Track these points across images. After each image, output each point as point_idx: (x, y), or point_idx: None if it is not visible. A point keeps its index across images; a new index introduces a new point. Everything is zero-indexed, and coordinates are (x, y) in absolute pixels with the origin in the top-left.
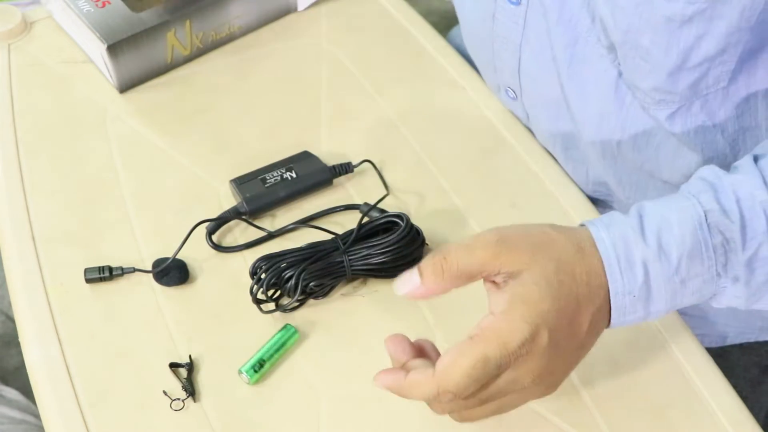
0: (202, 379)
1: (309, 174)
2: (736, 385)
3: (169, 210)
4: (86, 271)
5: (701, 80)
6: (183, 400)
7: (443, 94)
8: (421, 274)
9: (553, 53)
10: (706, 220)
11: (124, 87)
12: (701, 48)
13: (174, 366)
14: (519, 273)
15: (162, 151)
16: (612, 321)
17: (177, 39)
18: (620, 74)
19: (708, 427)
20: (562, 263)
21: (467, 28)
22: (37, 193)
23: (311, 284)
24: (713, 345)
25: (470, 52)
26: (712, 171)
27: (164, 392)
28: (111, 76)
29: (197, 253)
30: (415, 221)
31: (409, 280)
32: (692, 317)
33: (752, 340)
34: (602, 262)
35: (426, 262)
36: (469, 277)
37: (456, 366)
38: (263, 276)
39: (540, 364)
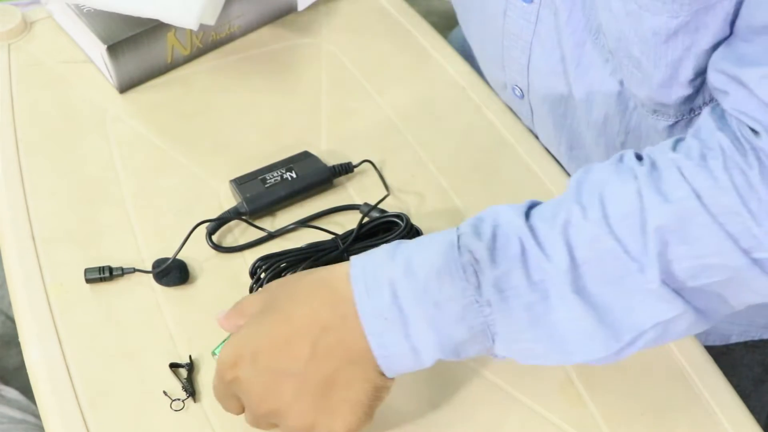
0: (202, 379)
1: (309, 174)
2: (738, 384)
3: (169, 210)
4: (86, 271)
5: (696, 97)
6: (183, 400)
7: (443, 94)
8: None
9: (562, 52)
10: (458, 241)
11: (124, 87)
12: (690, 60)
13: (174, 366)
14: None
15: (162, 151)
16: (374, 350)
17: (177, 39)
18: (623, 79)
19: (708, 427)
20: (285, 291)
21: (474, 25)
22: (37, 193)
23: None
24: (717, 343)
25: (476, 49)
26: (489, 208)
27: (164, 392)
28: (111, 76)
29: (197, 253)
30: (415, 221)
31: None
32: None
33: (756, 338)
34: (351, 284)
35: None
36: (238, 315)
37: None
38: (262, 276)
39: (256, 389)
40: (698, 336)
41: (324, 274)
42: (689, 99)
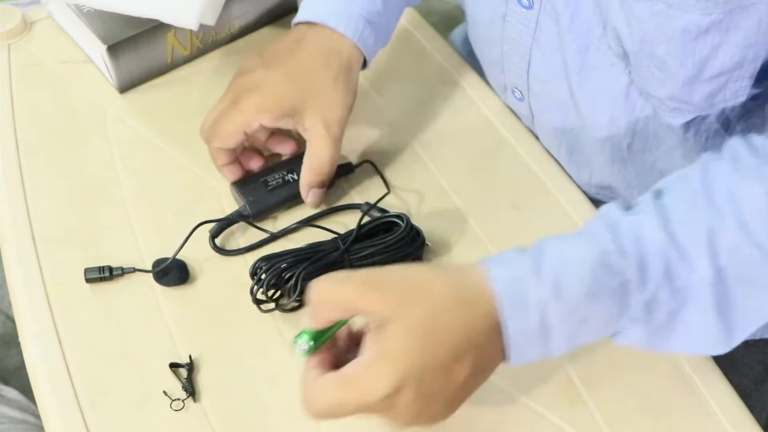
0: (202, 379)
1: None
2: (740, 383)
3: (169, 210)
4: (86, 270)
5: (718, 92)
6: (183, 400)
7: (443, 94)
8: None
9: (563, 58)
10: (605, 261)
11: (124, 87)
12: (717, 59)
13: (174, 366)
14: (386, 323)
15: (162, 151)
16: (511, 359)
17: (177, 39)
18: (631, 81)
19: (708, 427)
20: (434, 313)
21: (475, 28)
22: (37, 193)
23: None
24: None
25: (477, 51)
26: (613, 210)
27: (164, 392)
28: (111, 76)
29: (197, 253)
30: (415, 221)
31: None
32: None
33: (757, 337)
34: (496, 302)
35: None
36: (340, 309)
37: (316, 399)
38: (263, 276)
39: (410, 412)
40: None
41: (463, 294)
42: (712, 95)
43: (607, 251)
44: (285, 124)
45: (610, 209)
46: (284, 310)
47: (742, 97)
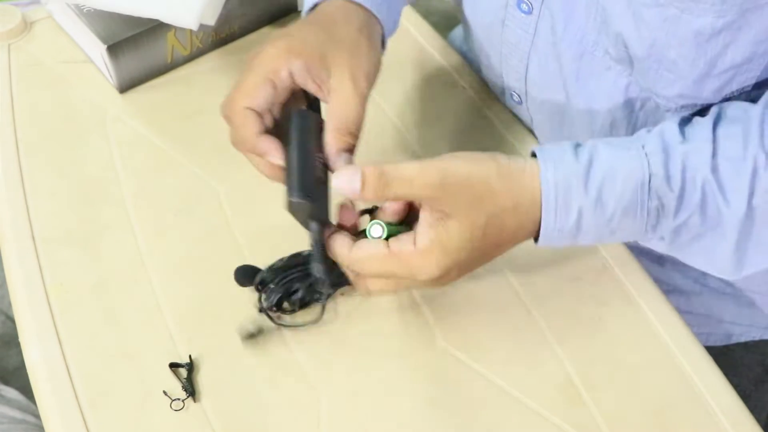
0: (202, 379)
1: None
2: (739, 384)
3: (169, 210)
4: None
5: (726, 86)
6: (183, 400)
7: (443, 94)
8: (362, 187)
9: (559, 64)
10: (649, 182)
11: (124, 87)
12: (728, 56)
13: (174, 366)
14: (449, 217)
15: (162, 151)
16: (538, 243)
17: (177, 39)
18: (629, 83)
19: (708, 427)
20: (493, 217)
21: (474, 31)
22: (37, 193)
23: (315, 295)
24: (718, 343)
25: (474, 55)
26: (671, 131)
27: (164, 392)
28: (111, 76)
29: (195, 251)
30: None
31: (350, 182)
32: (696, 316)
33: (757, 338)
34: (541, 198)
35: (370, 180)
36: (403, 202)
37: (365, 263)
38: (272, 294)
39: (445, 280)
40: (698, 336)
41: (518, 200)
42: (720, 88)
43: (654, 174)
44: (315, 76)
45: (669, 131)
46: (285, 312)
47: (748, 88)
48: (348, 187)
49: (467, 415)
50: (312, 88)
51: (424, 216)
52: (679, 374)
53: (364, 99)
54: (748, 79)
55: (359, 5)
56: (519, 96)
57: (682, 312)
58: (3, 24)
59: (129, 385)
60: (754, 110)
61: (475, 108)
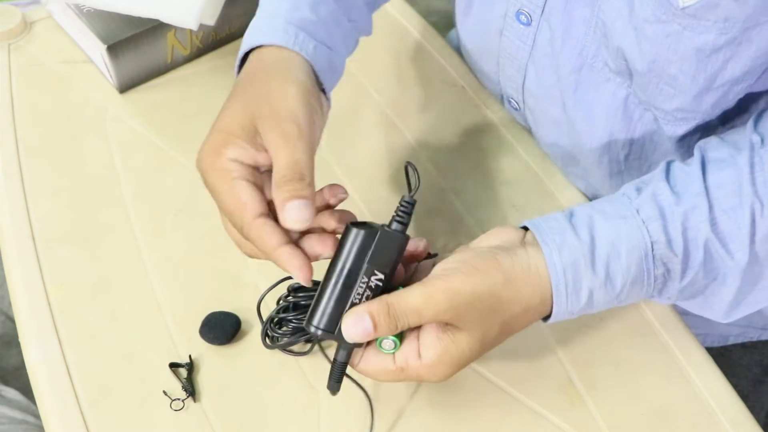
0: (202, 379)
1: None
2: (737, 385)
3: (169, 210)
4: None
5: (722, 98)
6: (183, 400)
7: (443, 94)
8: (374, 326)
9: (557, 77)
10: (653, 250)
11: (124, 87)
12: (727, 71)
13: (174, 366)
14: (459, 331)
15: (162, 151)
16: (549, 322)
17: (177, 39)
18: (628, 95)
19: (708, 427)
20: (505, 325)
21: (471, 41)
22: (37, 193)
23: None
24: (715, 344)
25: (471, 62)
26: (664, 192)
27: (164, 392)
28: (111, 76)
29: (195, 251)
30: (414, 221)
31: (360, 326)
32: (694, 317)
33: (754, 339)
34: (551, 284)
35: (381, 319)
36: (423, 321)
37: (373, 373)
38: (290, 298)
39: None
40: (696, 337)
41: (529, 303)
42: (719, 102)
43: (656, 242)
44: (256, 147)
45: (661, 193)
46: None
47: (742, 95)
48: (361, 334)
49: (467, 415)
50: (263, 160)
51: (431, 327)
52: (679, 374)
53: (291, 140)
54: (743, 89)
55: (283, 48)
56: (517, 103)
57: (679, 313)
58: (3, 24)
59: (129, 385)
60: (741, 156)
61: (475, 108)
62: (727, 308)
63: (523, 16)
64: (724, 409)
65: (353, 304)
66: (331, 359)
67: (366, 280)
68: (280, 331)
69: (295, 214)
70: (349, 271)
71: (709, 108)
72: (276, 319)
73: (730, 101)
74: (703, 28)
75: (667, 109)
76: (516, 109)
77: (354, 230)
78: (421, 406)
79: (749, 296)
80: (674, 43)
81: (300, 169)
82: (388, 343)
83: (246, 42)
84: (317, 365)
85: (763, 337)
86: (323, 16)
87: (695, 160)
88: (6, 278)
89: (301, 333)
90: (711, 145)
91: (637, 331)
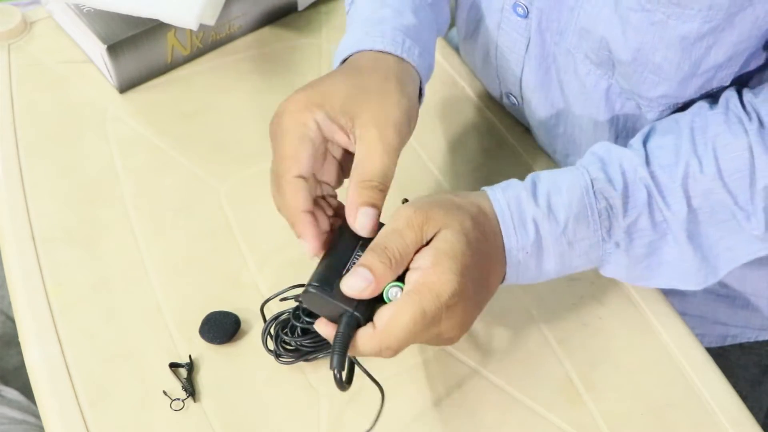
0: (202, 379)
1: None
2: (735, 385)
3: (169, 210)
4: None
5: (707, 84)
6: (183, 400)
7: (443, 94)
8: (373, 273)
9: (547, 67)
10: (593, 187)
11: (124, 87)
12: (711, 57)
13: (174, 366)
14: (439, 230)
15: (162, 151)
16: (507, 276)
17: (177, 39)
18: (609, 86)
19: (708, 427)
20: (474, 222)
21: (470, 37)
22: (37, 193)
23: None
24: (713, 345)
25: (469, 59)
26: (603, 146)
27: (164, 392)
28: (111, 76)
29: (195, 251)
30: None
31: (362, 280)
32: (692, 317)
33: (752, 339)
34: (498, 220)
35: (372, 260)
36: (409, 257)
37: (396, 322)
38: (295, 338)
39: (464, 313)
40: None
41: (481, 216)
42: (703, 87)
43: (595, 178)
44: (341, 125)
45: (599, 146)
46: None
47: (727, 82)
48: (365, 284)
49: (467, 415)
50: (341, 140)
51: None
52: (679, 374)
53: (391, 149)
54: (727, 75)
55: (390, 54)
56: (516, 98)
57: (679, 313)
58: (3, 24)
59: (129, 385)
60: (684, 119)
61: (475, 108)
62: (695, 271)
63: (520, 8)
64: (724, 409)
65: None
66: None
67: (360, 254)
68: (283, 350)
69: (365, 221)
70: (345, 247)
71: (693, 94)
72: (278, 333)
73: (714, 86)
74: (687, 17)
75: (651, 97)
76: (515, 104)
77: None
78: (421, 405)
79: (711, 255)
80: (659, 31)
81: (387, 180)
82: (394, 290)
83: (350, 45)
84: (317, 365)
85: (761, 338)
86: (423, 22)
87: (642, 131)
88: (6, 278)
89: (302, 355)
90: (661, 119)
91: (637, 331)
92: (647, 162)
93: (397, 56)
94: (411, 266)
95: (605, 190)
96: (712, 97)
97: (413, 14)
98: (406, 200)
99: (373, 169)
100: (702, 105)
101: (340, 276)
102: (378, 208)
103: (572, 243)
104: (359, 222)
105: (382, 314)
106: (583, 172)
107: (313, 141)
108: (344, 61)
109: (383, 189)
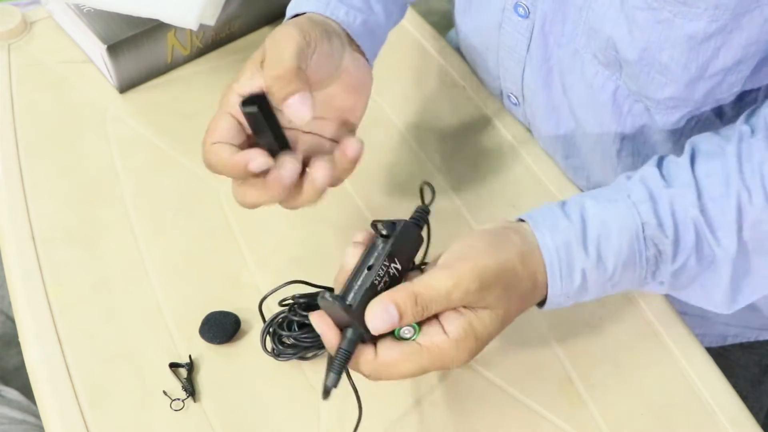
0: (202, 379)
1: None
2: (736, 385)
3: (169, 210)
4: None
5: (716, 88)
6: (183, 400)
7: (443, 94)
8: (400, 315)
9: (550, 68)
10: (643, 231)
11: (124, 87)
12: (719, 59)
13: (174, 366)
14: (483, 309)
15: (162, 151)
16: (545, 308)
17: (177, 39)
18: (617, 88)
19: (708, 427)
20: (520, 301)
21: (471, 36)
22: (37, 193)
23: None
24: (713, 345)
25: (470, 58)
26: (653, 178)
27: (164, 392)
28: (111, 76)
29: (195, 251)
30: None
31: (387, 318)
32: (692, 317)
33: (752, 339)
34: (545, 266)
35: (407, 309)
36: (449, 306)
37: (397, 368)
38: (293, 333)
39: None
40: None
41: (534, 277)
42: (711, 91)
43: (646, 223)
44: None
45: (651, 177)
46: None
47: (737, 88)
48: (387, 324)
49: (467, 414)
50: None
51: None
52: (679, 374)
53: (281, 48)
54: (737, 80)
55: (312, 14)
56: (516, 98)
57: (679, 313)
58: (3, 24)
59: (129, 385)
60: (730, 146)
61: (475, 108)
62: (726, 299)
63: (521, 9)
64: (724, 409)
65: (373, 285)
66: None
67: (387, 263)
68: (281, 347)
69: (294, 111)
70: (373, 253)
71: (701, 97)
72: (275, 331)
73: (724, 91)
74: (693, 15)
75: (658, 98)
76: (515, 104)
77: (379, 224)
78: (421, 405)
79: (744, 287)
80: (666, 30)
81: (284, 67)
82: (408, 330)
83: (288, 12)
84: (317, 365)
85: (761, 338)
86: None
87: (686, 153)
88: (6, 278)
89: (300, 350)
90: (702, 138)
91: (637, 331)
92: (699, 195)
93: (321, 15)
94: (442, 323)
95: (656, 237)
96: (750, 117)
97: None
98: (375, 223)
99: (266, 69)
100: (745, 132)
101: (363, 289)
102: (293, 92)
103: (616, 285)
104: (292, 117)
105: (387, 349)
106: (633, 214)
107: (233, 112)
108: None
109: (284, 76)
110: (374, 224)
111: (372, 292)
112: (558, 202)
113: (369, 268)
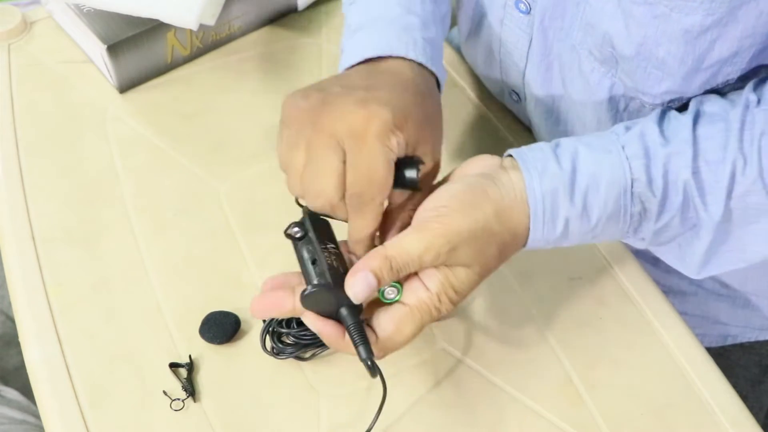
0: (202, 379)
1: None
2: (736, 385)
3: (169, 210)
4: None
5: (712, 79)
6: (183, 400)
7: (443, 94)
8: (378, 280)
9: (552, 63)
10: (632, 188)
11: (124, 87)
12: (715, 51)
13: (174, 366)
14: (458, 266)
15: (162, 151)
16: (526, 247)
17: (177, 39)
18: (613, 84)
19: (708, 427)
20: (499, 255)
21: (472, 34)
22: (37, 193)
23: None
24: (713, 345)
25: (471, 58)
26: (652, 133)
27: (164, 392)
28: (111, 76)
29: (195, 251)
30: None
31: (366, 285)
32: (692, 317)
33: (752, 339)
34: (527, 214)
35: (384, 274)
36: (425, 265)
37: (399, 335)
38: (292, 330)
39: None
40: None
41: (511, 225)
42: (707, 82)
43: (636, 179)
44: (407, 153)
45: (650, 133)
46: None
47: (733, 80)
48: (368, 290)
49: (467, 414)
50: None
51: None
52: (679, 374)
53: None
54: (733, 72)
55: (425, 68)
56: (518, 95)
57: (679, 313)
58: (3, 24)
59: (129, 385)
60: (734, 112)
61: (475, 107)
62: (699, 263)
63: (522, 5)
64: (724, 409)
65: (331, 266)
66: (333, 363)
67: (324, 247)
68: (281, 345)
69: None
70: (306, 251)
71: (697, 89)
72: (275, 330)
73: (719, 82)
74: (689, 9)
75: (655, 93)
76: (516, 101)
77: (289, 232)
78: (420, 405)
79: (718, 255)
80: (662, 24)
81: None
82: (391, 291)
83: (380, 46)
84: (317, 365)
85: (761, 338)
86: (439, 35)
87: (689, 111)
88: (6, 278)
89: (300, 347)
90: (707, 99)
91: (637, 331)
92: (694, 156)
93: (431, 71)
94: (422, 280)
95: (643, 195)
96: (758, 85)
97: (434, 26)
98: (287, 234)
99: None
100: (750, 99)
101: (330, 270)
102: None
103: (597, 237)
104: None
105: (383, 324)
106: (626, 169)
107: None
108: (373, 59)
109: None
110: (288, 235)
111: (334, 271)
112: (551, 143)
113: (314, 263)
